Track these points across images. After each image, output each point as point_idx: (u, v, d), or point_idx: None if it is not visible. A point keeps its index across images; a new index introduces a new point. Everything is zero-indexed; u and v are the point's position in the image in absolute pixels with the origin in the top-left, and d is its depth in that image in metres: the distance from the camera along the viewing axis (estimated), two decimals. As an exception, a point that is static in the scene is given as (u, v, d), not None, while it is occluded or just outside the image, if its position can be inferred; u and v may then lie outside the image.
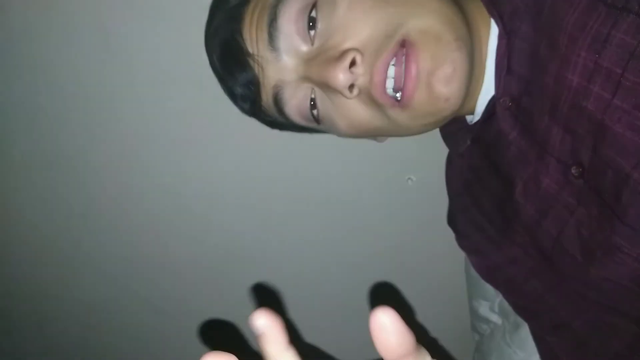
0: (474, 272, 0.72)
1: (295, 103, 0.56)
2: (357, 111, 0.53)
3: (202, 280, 1.02)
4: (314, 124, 0.58)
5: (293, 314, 1.00)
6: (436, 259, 0.99)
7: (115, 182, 0.93)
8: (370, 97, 0.52)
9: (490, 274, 0.67)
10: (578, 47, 0.43)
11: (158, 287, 1.03)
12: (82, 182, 0.93)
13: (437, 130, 0.67)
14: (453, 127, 0.64)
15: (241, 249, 1.00)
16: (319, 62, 0.51)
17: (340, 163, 0.94)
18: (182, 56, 0.81)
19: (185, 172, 0.93)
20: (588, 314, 0.57)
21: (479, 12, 0.55)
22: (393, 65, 0.50)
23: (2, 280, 1.04)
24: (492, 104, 0.56)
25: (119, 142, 0.89)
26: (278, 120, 0.61)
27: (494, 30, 0.54)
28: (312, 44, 0.52)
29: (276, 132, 0.69)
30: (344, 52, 0.50)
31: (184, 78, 0.83)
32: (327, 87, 0.52)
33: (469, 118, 0.63)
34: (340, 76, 0.49)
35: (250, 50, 0.55)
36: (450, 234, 0.75)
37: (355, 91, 0.51)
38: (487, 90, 0.56)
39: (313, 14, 0.51)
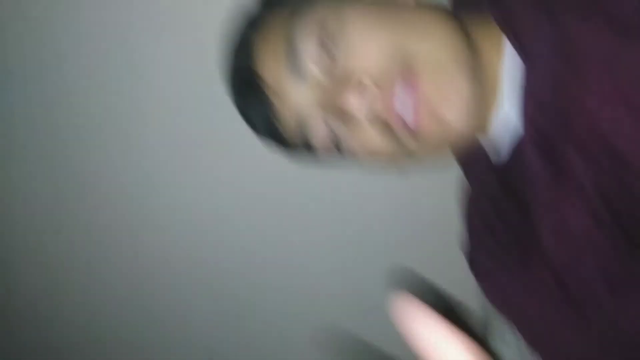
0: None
1: (319, 135, 0.56)
2: (373, 138, 0.54)
3: (200, 281, 1.01)
4: (337, 155, 0.59)
5: (291, 313, 1.00)
6: (432, 260, 0.99)
7: (113, 181, 0.92)
8: (384, 124, 0.52)
9: (503, 305, 0.65)
10: (598, 71, 0.43)
11: (155, 288, 1.01)
12: (78, 180, 0.91)
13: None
14: (475, 167, 0.63)
15: (239, 250, 0.99)
16: (333, 89, 0.52)
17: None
18: (180, 54, 0.81)
19: (185, 171, 0.92)
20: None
21: (489, 38, 0.55)
22: (404, 90, 0.51)
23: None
24: (517, 139, 0.54)
25: (114, 141, 0.88)
26: (303, 153, 0.61)
27: (508, 53, 0.54)
28: (327, 72, 0.53)
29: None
30: (356, 78, 0.51)
31: (183, 74, 0.83)
32: (342, 113, 0.53)
33: (486, 142, 0.61)
34: (353, 101, 0.51)
35: (267, 81, 0.56)
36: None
37: (369, 116, 0.52)
38: (503, 113, 0.55)
39: (328, 42, 0.53)
